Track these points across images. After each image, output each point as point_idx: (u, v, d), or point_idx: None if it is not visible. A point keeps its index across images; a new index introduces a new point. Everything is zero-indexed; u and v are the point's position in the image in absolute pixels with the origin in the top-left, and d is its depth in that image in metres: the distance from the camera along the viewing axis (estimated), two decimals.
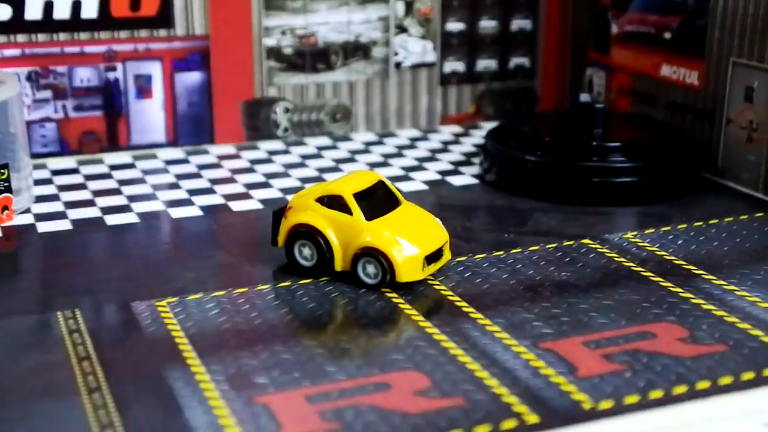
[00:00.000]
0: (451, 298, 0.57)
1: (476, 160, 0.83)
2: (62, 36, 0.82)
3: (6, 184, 0.68)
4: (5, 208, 0.68)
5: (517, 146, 0.76)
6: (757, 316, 0.55)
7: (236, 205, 0.73)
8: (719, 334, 0.53)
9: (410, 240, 0.58)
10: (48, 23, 0.81)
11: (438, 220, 0.61)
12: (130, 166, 0.82)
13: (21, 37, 0.81)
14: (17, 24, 0.80)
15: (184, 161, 0.83)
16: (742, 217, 0.70)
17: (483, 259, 0.63)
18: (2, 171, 0.67)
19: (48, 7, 0.81)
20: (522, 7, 0.96)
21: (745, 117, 0.76)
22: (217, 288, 0.58)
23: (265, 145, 0.88)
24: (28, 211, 0.71)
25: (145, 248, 0.66)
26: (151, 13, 0.83)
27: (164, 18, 0.84)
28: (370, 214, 0.59)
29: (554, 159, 0.74)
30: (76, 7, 0.81)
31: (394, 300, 0.57)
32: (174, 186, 0.77)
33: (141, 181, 0.78)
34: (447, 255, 0.60)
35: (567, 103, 0.97)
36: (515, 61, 0.97)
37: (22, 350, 0.51)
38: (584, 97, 0.84)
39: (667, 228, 0.68)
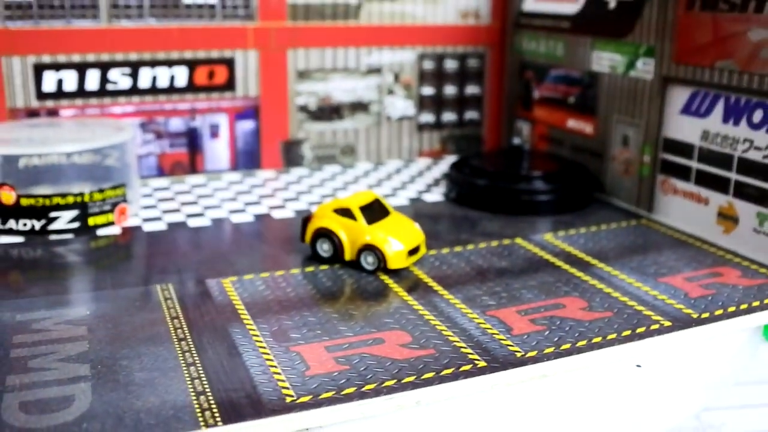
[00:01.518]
0: (425, 280, 0.57)
1: (442, 183, 0.83)
2: (162, 97, 0.81)
3: (123, 196, 0.67)
4: (122, 213, 0.67)
5: (470, 174, 0.75)
6: (632, 292, 0.55)
7: (276, 213, 0.72)
8: (607, 305, 0.53)
9: (397, 239, 0.57)
10: (153, 89, 0.81)
11: (417, 224, 0.61)
12: (204, 185, 0.81)
13: (136, 99, 0.80)
14: (134, 90, 0.80)
15: (241, 182, 0.83)
16: (622, 223, 0.70)
17: (447, 253, 0.62)
18: (122, 188, 0.67)
19: (154, 79, 0.80)
20: (473, 79, 0.95)
21: (623, 156, 0.75)
22: (263, 270, 0.58)
23: (296, 171, 0.87)
24: (137, 215, 0.70)
25: (214, 243, 0.65)
26: (221, 82, 0.83)
27: (230, 85, 0.83)
28: (370, 221, 0.58)
29: (496, 183, 0.73)
30: (172, 78, 0.81)
31: (386, 281, 0.56)
32: (234, 199, 0.76)
33: (211, 195, 0.77)
34: (423, 250, 0.60)
35: (504, 144, 0.96)
36: (469, 115, 0.96)
37: (133, 311, 0.51)
38: (516, 141, 0.84)
39: (572, 231, 0.68)
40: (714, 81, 0.65)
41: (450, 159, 0.94)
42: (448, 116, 0.95)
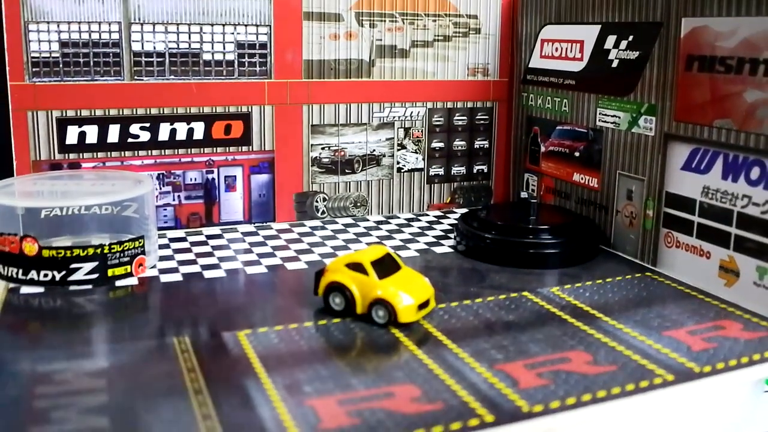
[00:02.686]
0: (434, 333, 0.57)
1: (451, 235, 0.83)
2: (180, 150, 0.82)
3: (142, 248, 0.68)
4: (140, 264, 0.68)
5: (478, 227, 0.76)
6: (636, 345, 0.55)
7: (290, 265, 0.73)
8: (612, 359, 0.53)
9: (408, 293, 0.58)
10: (172, 142, 0.82)
11: (426, 279, 0.61)
12: (219, 236, 0.82)
13: (155, 152, 0.82)
14: (153, 143, 0.81)
15: (255, 233, 0.84)
16: (627, 276, 0.70)
17: (456, 306, 0.63)
18: (140, 240, 0.68)
19: (172, 133, 0.82)
20: (482, 132, 0.96)
21: (627, 209, 0.76)
22: (277, 323, 0.58)
23: (309, 223, 0.88)
24: (154, 267, 0.71)
25: (229, 294, 0.66)
26: (237, 135, 0.84)
27: (246, 139, 0.85)
28: (381, 275, 0.59)
29: (503, 236, 0.74)
30: (190, 132, 0.82)
31: (396, 334, 0.57)
32: (248, 251, 0.77)
33: (227, 247, 0.78)
34: (433, 304, 0.60)
35: (512, 197, 0.97)
36: (477, 167, 0.97)
37: (151, 362, 0.51)
38: (523, 194, 0.84)
39: (578, 284, 0.68)
40: (713, 139, 0.66)
41: (459, 211, 0.94)
42: (457, 169, 0.96)
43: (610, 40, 0.78)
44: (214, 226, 0.85)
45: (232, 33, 0.82)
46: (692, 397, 0.50)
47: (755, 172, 0.62)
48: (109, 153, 0.80)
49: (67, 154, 0.79)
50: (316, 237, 0.82)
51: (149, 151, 0.81)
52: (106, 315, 0.60)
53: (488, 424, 0.44)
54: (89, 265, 0.65)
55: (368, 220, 0.90)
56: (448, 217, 0.92)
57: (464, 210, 0.95)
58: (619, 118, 0.76)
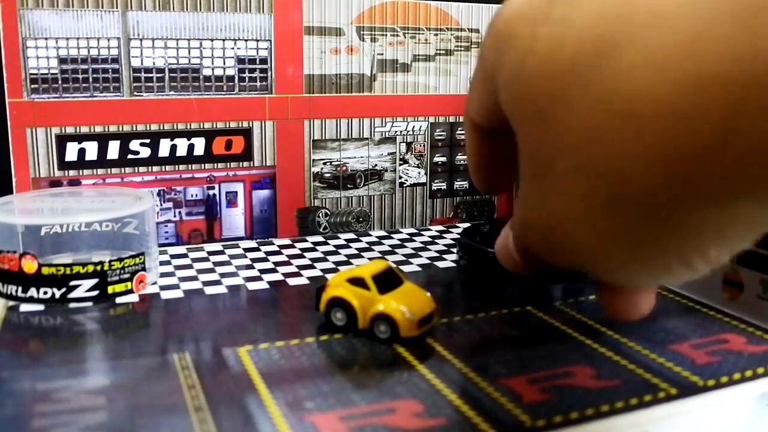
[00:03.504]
0: (437, 348, 0.57)
1: (454, 250, 0.84)
2: (181, 166, 0.83)
3: (142, 265, 0.68)
4: (141, 281, 0.69)
5: (481, 242, 0.76)
6: (640, 359, 0.55)
7: (291, 281, 0.73)
8: (615, 373, 0.53)
9: (409, 308, 0.58)
10: (172, 158, 0.82)
11: (428, 294, 0.61)
12: (221, 252, 0.82)
13: (155, 168, 0.82)
14: (153, 160, 0.82)
15: (257, 249, 0.84)
16: None
17: (458, 321, 0.63)
18: (140, 257, 0.68)
19: (173, 149, 0.82)
20: None
21: None
22: (278, 339, 0.59)
23: (311, 239, 0.89)
24: (155, 283, 0.71)
25: (230, 310, 0.66)
26: (238, 151, 0.84)
27: (247, 154, 0.85)
28: (383, 290, 0.59)
29: None
30: (191, 148, 0.83)
31: (398, 350, 0.57)
32: (250, 267, 0.77)
33: (228, 263, 0.78)
34: (435, 319, 0.60)
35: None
36: None
37: (152, 379, 0.51)
38: None
39: (582, 298, 0.68)
40: None
41: (462, 226, 0.95)
42: (460, 183, 0.96)
43: None
44: (215, 242, 0.85)
45: (233, 48, 0.82)
46: (696, 411, 0.50)
47: None
48: (109, 169, 0.80)
49: (66, 171, 0.79)
50: (318, 252, 0.82)
51: (149, 168, 0.82)
52: (107, 332, 0.60)
53: None
54: (89, 282, 0.66)
55: (370, 235, 0.90)
56: (451, 232, 0.92)
57: (466, 224, 0.95)
58: None
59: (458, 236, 0.82)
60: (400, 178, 0.93)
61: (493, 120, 0.40)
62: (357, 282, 0.59)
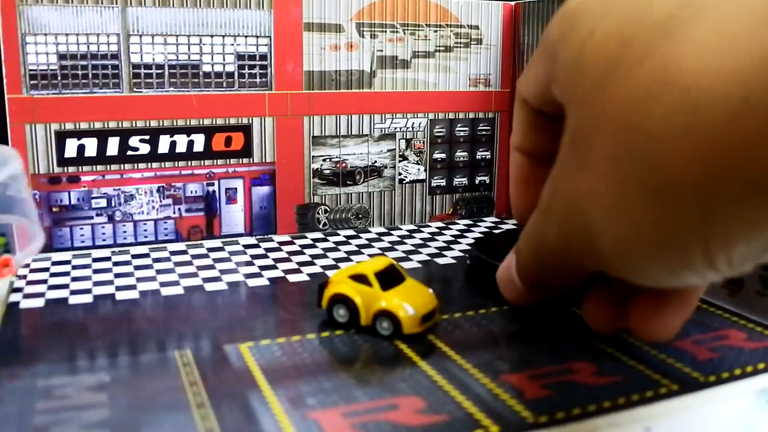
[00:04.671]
0: (439, 345, 0.58)
1: (454, 246, 0.84)
2: (180, 163, 0.83)
3: (4, 248, 0.65)
4: (6, 266, 0.63)
5: (491, 256, 0.74)
6: (642, 356, 0.55)
7: (292, 278, 0.73)
8: (617, 369, 0.53)
9: (411, 305, 0.58)
10: (172, 155, 0.83)
11: (431, 290, 0.62)
12: (221, 249, 0.83)
13: (155, 164, 0.82)
14: (153, 156, 0.82)
15: (257, 246, 0.84)
16: None
17: (460, 317, 0.63)
18: (1, 238, 0.64)
19: (172, 145, 0.82)
20: (484, 143, 0.97)
21: None
22: (280, 336, 0.59)
23: (311, 235, 0.89)
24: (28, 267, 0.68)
25: (231, 307, 0.66)
26: (237, 148, 0.85)
27: (246, 151, 0.85)
28: (385, 287, 0.59)
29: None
30: (190, 144, 0.83)
31: (400, 346, 0.57)
32: (249, 263, 0.78)
33: (228, 260, 0.79)
34: (437, 316, 0.61)
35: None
36: (479, 178, 0.98)
37: (153, 377, 0.52)
38: None
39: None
40: None
41: (461, 222, 0.95)
42: (459, 180, 0.96)
43: None
44: (215, 238, 0.86)
45: (232, 44, 0.82)
46: (697, 407, 0.51)
47: None
48: (108, 166, 0.81)
49: (66, 168, 0.79)
50: (317, 249, 0.83)
51: (149, 164, 0.82)
52: (112, 328, 0.61)
53: None
54: None
55: (370, 232, 0.91)
56: (451, 228, 0.92)
57: (467, 221, 0.95)
58: None
59: (468, 247, 0.82)
60: (400, 174, 0.93)
61: (544, 99, 0.39)
62: (359, 279, 0.60)
